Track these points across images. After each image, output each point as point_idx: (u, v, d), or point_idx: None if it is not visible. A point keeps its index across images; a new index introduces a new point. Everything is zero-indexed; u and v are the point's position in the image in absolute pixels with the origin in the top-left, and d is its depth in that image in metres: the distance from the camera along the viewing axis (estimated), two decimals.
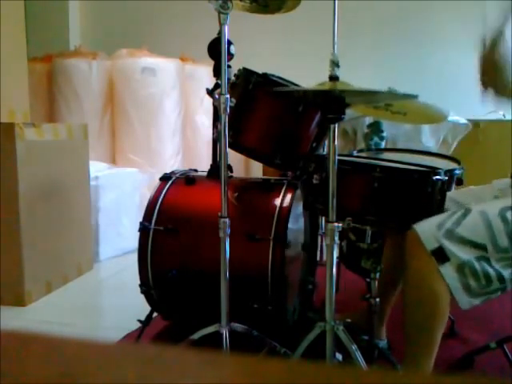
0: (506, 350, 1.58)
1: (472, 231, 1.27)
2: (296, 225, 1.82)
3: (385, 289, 1.70)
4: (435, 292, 1.28)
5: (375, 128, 3.03)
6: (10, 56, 2.46)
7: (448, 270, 1.25)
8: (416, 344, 1.36)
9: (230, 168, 1.59)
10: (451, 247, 1.25)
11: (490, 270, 1.25)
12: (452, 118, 3.11)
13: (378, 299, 1.53)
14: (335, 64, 1.28)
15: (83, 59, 3.35)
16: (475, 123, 3.32)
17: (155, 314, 1.81)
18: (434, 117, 1.91)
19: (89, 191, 2.72)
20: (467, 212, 1.31)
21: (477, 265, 1.25)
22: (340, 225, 1.29)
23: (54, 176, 2.43)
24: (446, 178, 1.45)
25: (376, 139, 3.03)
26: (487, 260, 1.26)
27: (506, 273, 1.26)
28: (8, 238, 2.19)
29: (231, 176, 1.66)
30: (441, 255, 1.26)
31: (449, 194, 1.49)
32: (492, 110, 3.43)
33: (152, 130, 3.36)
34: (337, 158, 1.27)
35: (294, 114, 1.63)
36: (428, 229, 1.29)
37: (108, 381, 0.29)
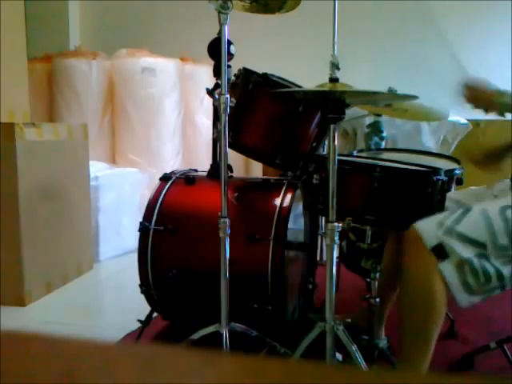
0: (506, 349, 1.58)
1: (472, 229, 1.27)
2: (296, 225, 1.82)
3: (384, 290, 1.70)
4: (433, 290, 1.28)
5: (375, 128, 3.03)
6: (9, 56, 2.46)
7: (447, 267, 1.25)
8: (411, 343, 1.36)
9: (230, 168, 1.59)
10: (451, 244, 1.26)
11: (490, 268, 1.26)
12: (452, 117, 3.11)
13: (378, 299, 1.53)
14: (335, 66, 1.28)
15: (83, 59, 3.35)
16: (475, 123, 3.32)
17: (155, 314, 1.81)
18: (434, 115, 1.91)
19: (89, 191, 2.72)
20: (468, 210, 1.31)
21: (476, 263, 1.25)
22: (340, 225, 1.29)
23: (54, 176, 2.43)
24: (446, 178, 1.45)
25: (376, 139, 3.03)
26: (486, 258, 1.26)
27: (505, 270, 1.26)
28: (8, 238, 2.19)
29: (231, 176, 1.66)
30: (440, 252, 1.26)
31: (448, 194, 1.49)
32: None
33: (152, 130, 3.36)
34: (337, 157, 1.27)
35: (294, 114, 1.63)
36: (429, 226, 1.29)
37: (108, 381, 0.29)
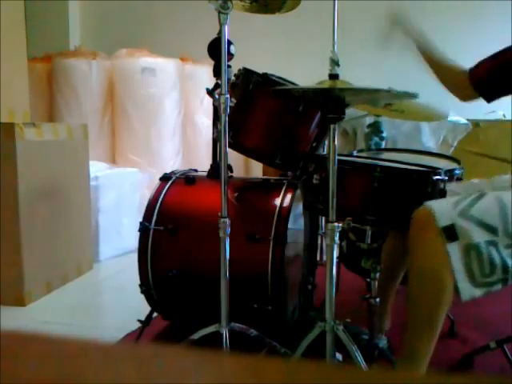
0: (506, 350, 1.58)
1: (485, 213, 1.27)
2: (296, 225, 1.82)
3: (385, 283, 1.71)
4: (440, 275, 1.26)
5: (375, 128, 3.04)
6: (10, 56, 2.46)
7: (454, 250, 1.24)
8: (418, 325, 1.34)
9: (230, 168, 1.59)
10: (464, 226, 1.25)
11: (496, 257, 1.25)
12: (452, 117, 3.11)
13: (378, 299, 1.53)
14: (335, 63, 1.28)
15: (83, 59, 3.35)
16: (475, 123, 3.32)
17: (155, 314, 1.81)
18: (433, 115, 1.91)
19: (89, 191, 2.72)
20: (482, 195, 1.31)
21: (484, 249, 1.25)
22: (340, 225, 1.28)
23: (54, 176, 2.43)
24: (446, 177, 1.45)
25: (376, 139, 3.03)
26: (495, 245, 1.25)
27: (510, 262, 1.26)
28: (8, 238, 2.19)
29: (231, 176, 1.66)
30: (451, 233, 1.25)
31: (449, 186, 1.49)
32: (492, 110, 3.42)
33: (152, 129, 3.36)
34: (337, 157, 1.27)
35: (294, 113, 1.63)
36: (443, 206, 1.29)
37: (108, 381, 0.29)
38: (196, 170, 1.95)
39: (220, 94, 1.41)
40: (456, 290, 1.27)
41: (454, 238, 1.25)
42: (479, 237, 1.25)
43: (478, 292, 1.27)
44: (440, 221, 1.26)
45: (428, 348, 1.32)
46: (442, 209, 1.28)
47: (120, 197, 3.00)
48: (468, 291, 1.26)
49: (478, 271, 1.25)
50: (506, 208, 1.27)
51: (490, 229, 1.26)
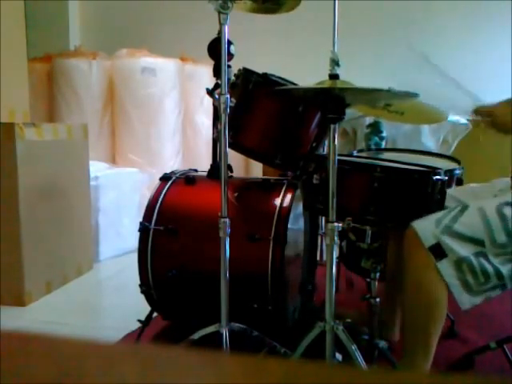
0: (506, 350, 1.58)
1: (469, 227, 1.28)
2: (296, 225, 1.82)
3: (392, 288, 1.71)
4: (432, 288, 1.28)
5: (375, 128, 3.03)
6: (9, 56, 2.46)
7: (445, 267, 1.26)
8: (413, 345, 1.37)
9: (230, 168, 1.59)
10: (449, 243, 1.26)
11: (488, 267, 1.26)
12: (452, 117, 3.11)
13: (377, 299, 1.53)
14: (335, 62, 1.28)
15: (83, 59, 3.35)
16: (475, 123, 3.32)
17: (155, 314, 1.81)
18: (433, 117, 1.90)
19: (89, 191, 2.72)
20: (465, 208, 1.31)
21: (474, 261, 1.25)
22: (340, 225, 1.29)
23: (54, 176, 2.43)
24: (446, 177, 1.45)
25: (376, 139, 3.03)
26: (485, 255, 1.26)
27: (504, 269, 1.26)
28: (8, 238, 2.19)
29: (231, 176, 1.66)
30: (438, 251, 1.26)
31: (449, 191, 1.49)
32: None
33: (152, 129, 3.36)
34: (337, 157, 1.27)
35: (294, 113, 1.63)
36: (426, 225, 1.30)
37: (108, 381, 0.29)
38: (196, 170, 1.95)
39: (220, 94, 1.41)
40: (455, 302, 1.28)
41: (443, 255, 1.26)
42: (467, 250, 1.26)
43: (477, 300, 1.28)
44: (425, 241, 1.27)
45: (426, 361, 1.33)
46: (425, 229, 1.29)
47: (120, 197, 3.00)
48: (467, 301, 1.27)
49: (473, 282, 1.26)
50: (489, 219, 1.28)
51: (476, 241, 1.26)
